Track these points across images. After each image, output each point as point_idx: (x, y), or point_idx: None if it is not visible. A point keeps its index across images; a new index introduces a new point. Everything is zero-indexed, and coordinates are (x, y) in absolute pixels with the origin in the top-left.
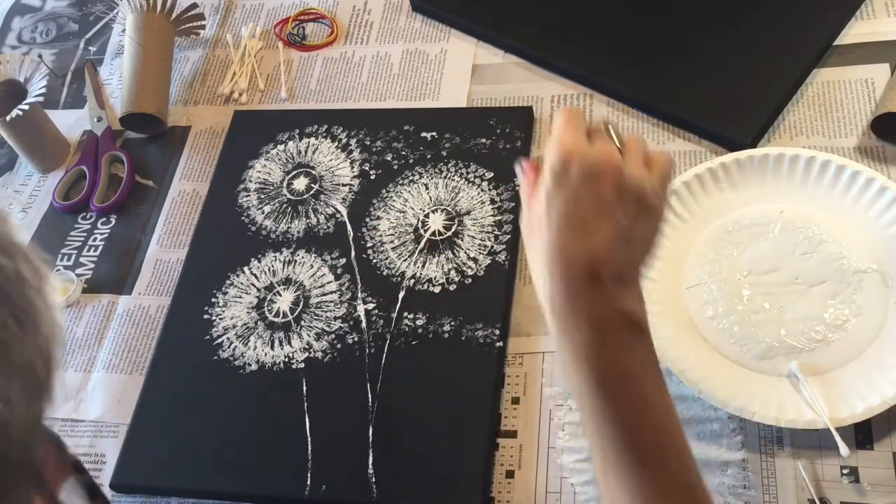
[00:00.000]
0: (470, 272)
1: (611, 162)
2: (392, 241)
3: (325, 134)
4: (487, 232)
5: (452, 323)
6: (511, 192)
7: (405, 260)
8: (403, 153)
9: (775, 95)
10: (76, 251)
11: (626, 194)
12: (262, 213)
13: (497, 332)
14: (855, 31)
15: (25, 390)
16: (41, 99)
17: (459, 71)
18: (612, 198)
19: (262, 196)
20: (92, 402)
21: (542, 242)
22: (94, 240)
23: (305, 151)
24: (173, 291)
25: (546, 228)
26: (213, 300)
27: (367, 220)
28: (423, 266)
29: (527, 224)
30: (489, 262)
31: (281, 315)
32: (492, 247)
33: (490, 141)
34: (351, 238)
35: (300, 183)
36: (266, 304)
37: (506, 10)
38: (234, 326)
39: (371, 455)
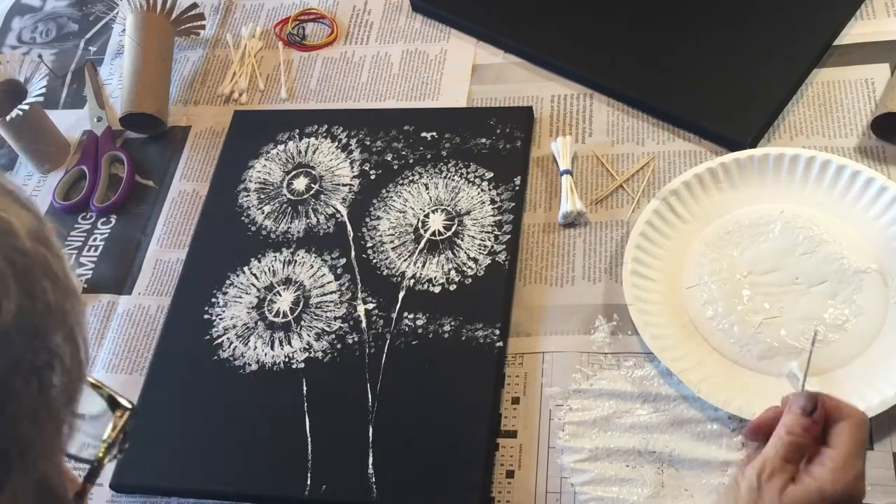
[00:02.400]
0: (470, 272)
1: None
2: (392, 241)
3: (325, 134)
4: (487, 232)
5: (452, 323)
6: (511, 192)
7: (405, 260)
8: (403, 153)
9: (775, 95)
10: (76, 251)
11: None
12: (262, 213)
13: (497, 332)
14: (855, 31)
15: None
16: (41, 99)
17: (459, 71)
18: None
19: (262, 196)
20: (92, 402)
21: None
22: (94, 240)
23: (305, 151)
24: (173, 291)
25: None
26: (213, 300)
27: (367, 220)
28: (423, 266)
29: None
30: (489, 262)
31: (281, 315)
32: (492, 247)
33: (490, 141)
34: (351, 238)
35: (300, 183)
36: (266, 304)
37: (506, 10)
38: (234, 326)
39: (371, 455)
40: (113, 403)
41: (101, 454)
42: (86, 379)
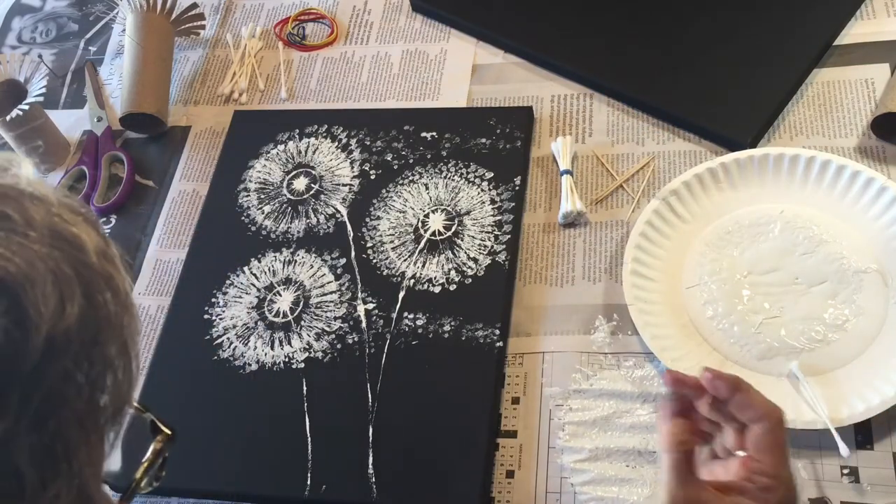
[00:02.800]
0: (470, 272)
1: None
2: (392, 241)
3: (325, 134)
4: (487, 232)
5: (452, 323)
6: (511, 192)
7: (405, 260)
8: (403, 153)
9: (775, 95)
10: None
11: None
12: (262, 213)
13: (497, 332)
14: (855, 31)
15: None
16: (41, 99)
17: (459, 71)
18: None
19: (262, 196)
20: None
21: None
22: None
23: (305, 151)
24: (173, 291)
25: None
26: (213, 300)
27: (367, 220)
28: (423, 266)
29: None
30: (489, 262)
31: (281, 315)
32: (492, 247)
33: (490, 141)
34: (351, 238)
35: (300, 183)
36: (266, 304)
37: (506, 10)
38: (234, 326)
39: (371, 455)
40: (154, 428)
41: (138, 475)
42: (133, 397)
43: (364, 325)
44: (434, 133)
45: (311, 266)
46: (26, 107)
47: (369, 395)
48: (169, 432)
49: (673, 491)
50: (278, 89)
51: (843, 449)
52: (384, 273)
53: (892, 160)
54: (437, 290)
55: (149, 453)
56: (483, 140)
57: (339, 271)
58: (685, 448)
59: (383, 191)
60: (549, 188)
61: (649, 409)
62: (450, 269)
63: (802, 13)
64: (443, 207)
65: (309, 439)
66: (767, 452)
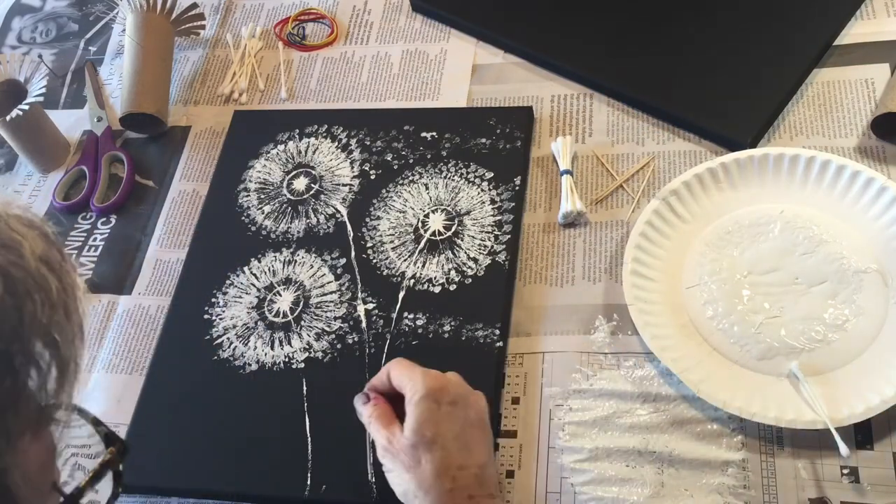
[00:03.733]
0: (470, 272)
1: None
2: (392, 241)
3: (325, 134)
4: (487, 232)
5: (452, 323)
6: (511, 192)
7: (405, 260)
8: (403, 153)
9: (775, 95)
10: (76, 251)
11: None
12: (262, 213)
13: (497, 332)
14: (855, 31)
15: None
16: (41, 99)
17: (459, 71)
18: (476, 417)
19: (262, 196)
20: (92, 402)
21: (429, 463)
22: (94, 240)
23: (305, 151)
24: (173, 291)
25: (436, 450)
26: (213, 300)
27: (367, 220)
28: (423, 266)
29: (395, 455)
30: (489, 262)
31: (281, 315)
32: (492, 247)
33: (490, 141)
34: (351, 238)
35: (300, 183)
36: (266, 304)
37: (506, 10)
38: (234, 326)
39: (371, 455)
40: (108, 440)
41: (82, 484)
42: (69, 402)
43: (364, 325)
44: (434, 133)
45: (311, 266)
46: (26, 107)
47: None
48: (121, 447)
49: (376, 436)
50: (278, 89)
51: (843, 449)
52: (384, 273)
53: (892, 160)
54: (437, 290)
55: (96, 465)
56: (483, 140)
57: (339, 271)
58: (375, 413)
59: (383, 191)
60: (549, 188)
61: (649, 409)
62: (450, 269)
63: (802, 13)
64: (443, 207)
65: (309, 439)
66: (397, 378)
